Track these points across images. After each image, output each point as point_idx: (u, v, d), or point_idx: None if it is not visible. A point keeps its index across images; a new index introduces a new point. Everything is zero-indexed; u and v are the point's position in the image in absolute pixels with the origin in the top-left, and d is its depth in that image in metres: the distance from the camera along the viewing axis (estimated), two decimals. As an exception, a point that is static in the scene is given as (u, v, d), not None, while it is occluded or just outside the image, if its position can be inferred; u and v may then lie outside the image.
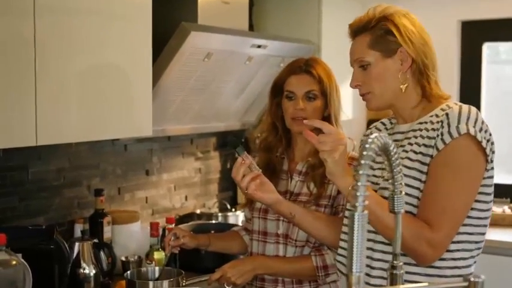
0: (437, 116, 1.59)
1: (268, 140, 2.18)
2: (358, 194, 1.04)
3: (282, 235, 2.07)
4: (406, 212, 1.53)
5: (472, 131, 1.53)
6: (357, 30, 1.67)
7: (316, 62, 2.13)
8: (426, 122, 1.61)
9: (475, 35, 3.69)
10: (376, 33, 1.63)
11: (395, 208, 1.24)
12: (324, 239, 1.95)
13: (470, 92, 3.67)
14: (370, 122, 4.06)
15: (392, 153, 1.17)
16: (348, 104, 3.63)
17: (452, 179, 1.53)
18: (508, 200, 3.52)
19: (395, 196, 1.23)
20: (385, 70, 1.63)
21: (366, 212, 1.04)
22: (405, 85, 1.63)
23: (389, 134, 1.72)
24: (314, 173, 2.06)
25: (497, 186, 1.73)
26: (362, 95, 1.69)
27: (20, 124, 1.85)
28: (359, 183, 1.05)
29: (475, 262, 1.63)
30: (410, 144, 1.60)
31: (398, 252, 1.26)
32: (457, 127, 1.53)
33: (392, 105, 1.68)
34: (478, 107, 3.02)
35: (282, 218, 2.09)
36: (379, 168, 1.68)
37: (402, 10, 1.66)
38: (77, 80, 2.03)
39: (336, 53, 3.34)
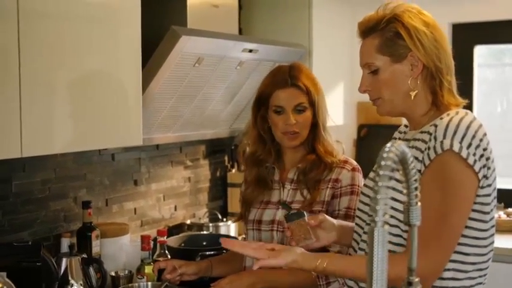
0: (436, 125, 1.49)
1: (257, 153, 2.11)
2: (377, 208, 0.97)
3: (277, 246, 2.00)
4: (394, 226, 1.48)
5: (455, 147, 1.43)
6: (365, 30, 1.58)
7: (300, 72, 2.05)
8: (426, 132, 1.51)
9: (466, 37, 3.67)
10: (385, 35, 1.54)
11: (411, 220, 1.16)
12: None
13: (462, 95, 3.62)
14: (360, 127, 4.03)
15: (409, 162, 1.10)
16: (339, 109, 3.57)
17: (441, 198, 1.44)
18: (502, 205, 3.44)
19: (410, 207, 1.16)
20: (394, 76, 1.55)
21: (386, 226, 0.97)
22: (415, 92, 1.54)
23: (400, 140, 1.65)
24: (306, 178, 2.03)
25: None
26: (372, 100, 1.61)
27: (3, 135, 1.75)
28: (378, 197, 0.97)
29: (480, 284, 1.54)
30: None
31: (414, 268, 1.18)
32: (441, 142, 1.44)
33: (403, 111, 1.60)
34: (470, 111, 2.97)
35: (275, 228, 2.03)
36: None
37: (414, 8, 1.56)
38: (64, 87, 1.93)
39: (326, 57, 3.30)
